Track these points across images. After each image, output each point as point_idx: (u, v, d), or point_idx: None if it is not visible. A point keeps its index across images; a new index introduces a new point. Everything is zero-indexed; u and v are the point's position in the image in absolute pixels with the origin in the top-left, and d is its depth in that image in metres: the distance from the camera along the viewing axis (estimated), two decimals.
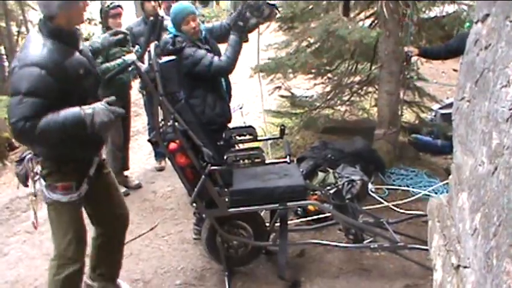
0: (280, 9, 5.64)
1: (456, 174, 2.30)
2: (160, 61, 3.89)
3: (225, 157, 3.98)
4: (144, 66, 3.90)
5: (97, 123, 3.18)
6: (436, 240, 2.46)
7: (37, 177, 3.56)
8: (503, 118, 1.60)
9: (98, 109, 3.22)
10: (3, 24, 21.65)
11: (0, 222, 6.54)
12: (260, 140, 4.76)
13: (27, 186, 3.67)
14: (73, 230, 3.63)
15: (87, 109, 3.17)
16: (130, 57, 5.63)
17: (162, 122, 4.05)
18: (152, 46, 3.86)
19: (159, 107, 3.95)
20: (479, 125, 1.90)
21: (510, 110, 1.56)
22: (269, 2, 4.55)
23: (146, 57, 3.93)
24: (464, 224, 2.00)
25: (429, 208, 2.74)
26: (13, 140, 11.24)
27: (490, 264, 1.58)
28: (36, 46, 3.15)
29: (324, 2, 6.44)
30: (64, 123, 3.09)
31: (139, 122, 9.51)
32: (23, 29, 23.33)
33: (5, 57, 22.31)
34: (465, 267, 1.94)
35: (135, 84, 6.79)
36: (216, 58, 4.34)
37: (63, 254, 3.67)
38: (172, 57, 4.03)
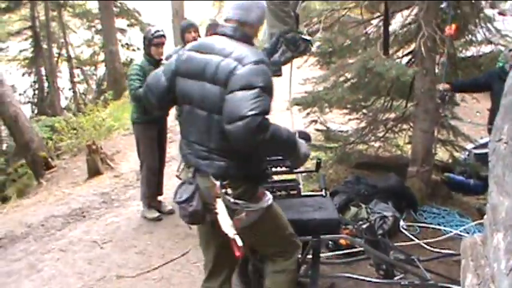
0: (318, 43, 5.76)
1: (491, 215, 2.34)
2: None
3: None
4: None
5: (302, 154, 3.28)
6: (469, 279, 2.49)
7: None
8: None
9: (302, 140, 3.35)
10: (46, 46, 22.26)
11: (35, 239, 6.69)
12: (295, 172, 4.81)
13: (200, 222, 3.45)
14: (286, 222, 3.66)
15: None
16: None
17: None
18: None
19: None
20: None
21: None
22: (305, 37, 4.64)
23: None
24: (499, 263, 2.03)
25: (463, 247, 2.77)
26: (49, 159, 11.50)
27: None
28: (243, 47, 3.16)
29: (362, 39, 6.54)
30: (286, 140, 3.12)
31: (174, 148, 9.63)
32: (63, 51, 23.95)
33: (44, 78, 22.89)
34: None
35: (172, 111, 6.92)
36: None
37: (295, 247, 3.73)
38: None
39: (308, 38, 4.73)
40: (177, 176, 3.63)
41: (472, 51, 6.91)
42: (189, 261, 5.54)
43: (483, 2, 6.67)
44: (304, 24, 6.31)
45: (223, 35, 3.27)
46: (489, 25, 6.47)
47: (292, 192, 4.07)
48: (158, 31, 6.40)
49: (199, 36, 6.57)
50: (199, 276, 5.09)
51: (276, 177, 4.70)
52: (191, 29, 6.84)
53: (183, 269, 5.38)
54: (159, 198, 6.98)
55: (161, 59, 6.45)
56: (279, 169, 4.72)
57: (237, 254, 3.11)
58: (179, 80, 3.31)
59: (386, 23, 5.39)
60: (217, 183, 3.14)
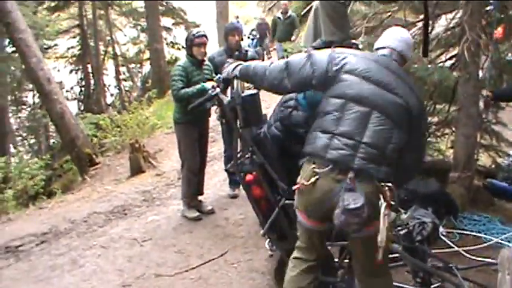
0: (361, 47, 5.75)
1: None
2: (242, 94, 4.03)
3: None
4: (226, 99, 4.08)
5: None
6: None
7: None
8: None
9: None
10: (93, 44, 22.69)
11: (78, 235, 6.88)
12: None
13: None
14: None
15: None
16: (209, 84, 5.85)
17: (240, 153, 4.19)
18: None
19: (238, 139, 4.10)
20: None
21: None
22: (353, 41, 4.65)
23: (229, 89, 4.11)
24: None
25: (500, 259, 2.75)
26: (93, 156, 11.75)
27: None
28: None
29: None
30: None
31: (215, 147, 9.74)
32: (110, 49, 24.35)
33: (91, 75, 23.33)
34: None
35: (213, 110, 6.98)
36: None
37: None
38: (255, 91, 4.15)
39: (355, 42, 4.75)
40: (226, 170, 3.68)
41: None
42: (227, 262, 5.59)
43: None
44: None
45: None
46: None
47: None
48: (199, 31, 6.47)
49: (242, 39, 6.63)
50: (236, 278, 5.18)
51: None
52: (235, 32, 6.93)
53: (221, 269, 5.43)
54: (200, 198, 7.06)
55: (204, 60, 6.53)
56: None
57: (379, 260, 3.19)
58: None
59: (427, 24, 5.31)
60: (387, 188, 3.19)
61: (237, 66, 3.84)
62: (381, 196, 3.16)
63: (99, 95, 22.54)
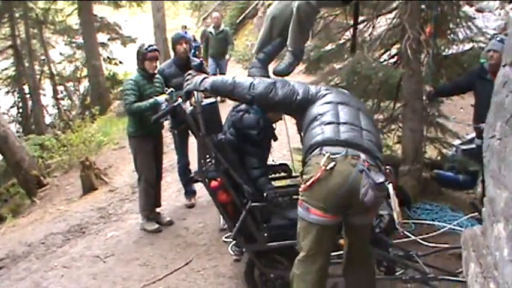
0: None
1: (490, 207, 2.48)
2: (202, 103, 4.13)
3: (264, 194, 4.19)
4: (188, 108, 4.17)
5: None
6: (472, 269, 2.64)
7: None
8: None
9: None
10: (27, 64, 22.21)
11: (37, 257, 6.76)
12: (294, 177, 4.94)
13: None
14: None
15: None
16: (162, 98, 5.93)
17: (202, 161, 4.28)
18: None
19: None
20: None
21: None
22: None
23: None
24: (502, 252, 2.18)
25: (463, 239, 2.92)
26: (41, 178, 11.55)
27: None
28: None
29: (348, 44, 6.68)
30: None
31: (166, 160, 9.73)
32: (46, 68, 23.89)
33: (28, 96, 22.82)
34: None
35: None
36: None
37: None
38: (213, 99, 4.25)
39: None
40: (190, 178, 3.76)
41: (453, 49, 7.07)
42: (193, 269, 5.64)
43: (461, 2, 6.85)
44: None
45: None
46: (470, 23, 6.63)
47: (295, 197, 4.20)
48: (151, 45, 6.51)
49: (190, 48, 6.71)
50: (205, 284, 5.24)
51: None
52: (182, 41, 7.00)
53: (188, 277, 5.48)
54: (157, 210, 7.08)
55: (155, 73, 6.56)
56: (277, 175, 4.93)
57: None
58: None
59: (355, 25, 5.49)
60: (389, 167, 3.52)
61: (204, 79, 3.98)
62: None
63: (38, 116, 22.02)
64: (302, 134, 3.82)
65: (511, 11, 11.22)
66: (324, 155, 3.37)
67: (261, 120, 4.60)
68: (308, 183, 3.39)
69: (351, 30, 5.57)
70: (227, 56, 13.56)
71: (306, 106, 3.77)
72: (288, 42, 4.69)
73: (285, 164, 5.14)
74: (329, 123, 3.54)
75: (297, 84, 3.90)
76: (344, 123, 3.55)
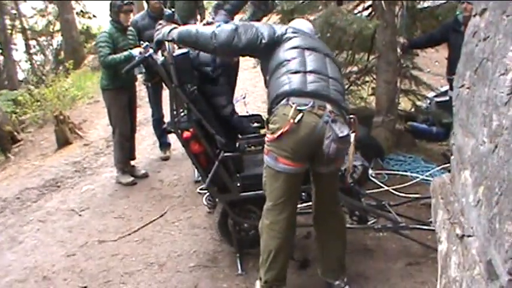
0: (279, 1, 5.88)
1: (458, 155, 2.51)
2: (174, 54, 4.09)
3: (237, 144, 4.20)
4: (160, 59, 4.13)
5: None
6: (440, 216, 2.68)
7: None
8: (502, 102, 1.81)
9: None
10: None
11: (12, 212, 6.76)
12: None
13: None
14: None
15: None
16: (136, 51, 5.87)
17: (174, 112, 4.26)
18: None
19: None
20: (480, 109, 2.10)
21: (508, 95, 1.77)
22: None
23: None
24: (468, 197, 2.22)
25: (432, 187, 2.95)
26: (15, 133, 11.42)
27: (493, 229, 1.80)
28: None
29: None
30: None
31: (140, 113, 9.69)
32: (17, 22, 23.45)
33: (0, 51, 22.43)
34: (469, 236, 2.16)
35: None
36: None
37: None
38: (185, 50, 4.21)
39: None
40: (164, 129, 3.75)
41: (428, 2, 7.07)
42: (168, 221, 5.70)
43: None
44: None
45: None
46: None
47: None
48: None
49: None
50: (179, 235, 5.29)
51: None
52: None
53: (163, 229, 5.54)
54: (132, 163, 7.08)
55: (128, 26, 6.49)
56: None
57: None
58: None
59: None
60: (353, 116, 3.58)
61: (172, 29, 3.92)
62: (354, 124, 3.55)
63: (10, 71, 21.71)
64: (267, 77, 3.76)
65: None
66: (291, 106, 3.37)
67: (218, 58, 4.60)
68: (276, 135, 3.41)
69: None
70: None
71: (272, 49, 3.71)
72: None
73: (259, 115, 5.14)
74: (296, 72, 3.51)
75: (261, 27, 3.78)
76: (311, 71, 3.52)
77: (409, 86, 7.24)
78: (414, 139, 7.27)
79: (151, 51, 4.22)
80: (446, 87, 7.38)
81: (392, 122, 6.66)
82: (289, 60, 3.57)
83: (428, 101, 8.09)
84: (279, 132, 3.38)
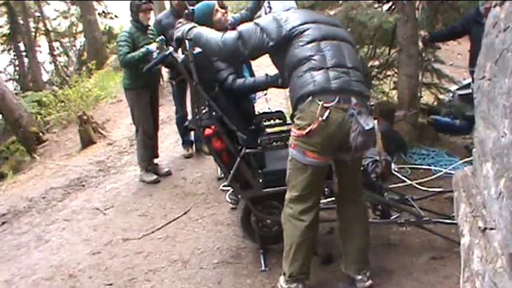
0: None
1: (479, 148, 2.49)
2: (194, 52, 4.10)
3: (258, 140, 4.20)
4: (180, 57, 4.15)
5: None
6: (462, 209, 2.67)
7: None
8: None
9: None
10: (22, 22, 21.99)
11: (38, 211, 6.85)
12: (289, 124, 4.95)
13: None
14: None
15: None
16: (153, 46, 5.91)
17: (196, 110, 4.28)
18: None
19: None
20: (501, 100, 2.08)
21: None
22: None
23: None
24: (489, 190, 2.20)
25: (455, 180, 2.93)
26: (40, 134, 11.56)
27: None
28: None
29: None
30: None
31: (162, 112, 9.74)
32: (41, 25, 23.69)
33: (24, 53, 22.68)
34: (491, 228, 2.15)
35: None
36: None
37: None
38: None
39: None
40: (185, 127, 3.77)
41: None
42: (191, 219, 5.72)
43: None
44: None
45: None
46: None
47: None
48: None
49: None
50: (203, 232, 5.30)
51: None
52: None
53: (186, 226, 5.56)
54: (155, 161, 7.13)
55: (149, 25, 6.53)
56: (272, 122, 4.94)
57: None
58: None
59: None
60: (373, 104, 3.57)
61: (192, 28, 3.93)
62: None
63: (35, 73, 21.95)
64: (286, 74, 3.72)
65: None
66: (318, 104, 3.37)
67: None
68: (304, 132, 3.41)
69: None
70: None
71: (283, 46, 3.65)
72: None
73: (281, 111, 5.13)
74: (318, 69, 3.48)
75: (265, 26, 3.66)
76: (333, 66, 3.49)
77: (431, 80, 7.20)
78: (437, 132, 7.22)
79: (171, 49, 4.23)
80: (469, 80, 7.32)
81: (415, 116, 6.63)
82: (308, 58, 3.52)
83: (451, 94, 8.04)
84: (308, 129, 3.39)
